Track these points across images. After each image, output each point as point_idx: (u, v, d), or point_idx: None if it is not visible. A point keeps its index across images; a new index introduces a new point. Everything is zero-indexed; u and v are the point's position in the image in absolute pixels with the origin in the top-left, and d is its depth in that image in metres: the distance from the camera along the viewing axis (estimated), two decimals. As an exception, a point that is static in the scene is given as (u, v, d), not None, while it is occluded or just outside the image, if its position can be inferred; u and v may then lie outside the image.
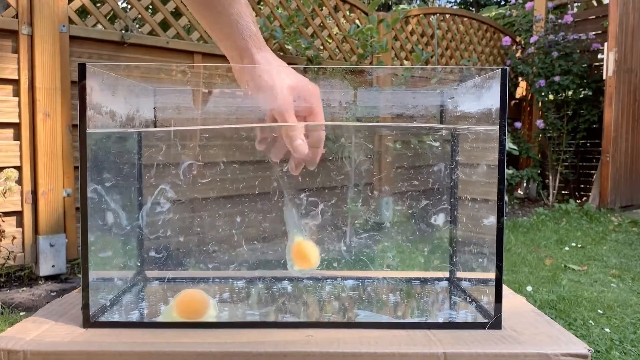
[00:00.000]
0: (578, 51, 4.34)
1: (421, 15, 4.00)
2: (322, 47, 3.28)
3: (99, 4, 2.49)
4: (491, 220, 0.57)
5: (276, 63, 0.61)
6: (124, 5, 2.88)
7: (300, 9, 3.09)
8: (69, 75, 2.18)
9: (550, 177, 4.51)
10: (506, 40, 4.57)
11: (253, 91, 0.60)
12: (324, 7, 3.27)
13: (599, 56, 4.46)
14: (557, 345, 0.52)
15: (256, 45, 0.61)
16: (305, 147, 0.59)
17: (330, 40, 3.34)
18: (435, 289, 0.74)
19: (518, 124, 4.61)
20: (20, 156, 2.09)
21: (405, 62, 3.84)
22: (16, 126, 2.09)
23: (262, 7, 3.01)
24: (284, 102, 0.58)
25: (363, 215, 0.74)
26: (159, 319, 0.61)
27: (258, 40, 0.61)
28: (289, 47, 3.08)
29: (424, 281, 0.75)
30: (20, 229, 2.11)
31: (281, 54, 3.04)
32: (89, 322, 0.56)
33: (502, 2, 10.51)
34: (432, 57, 4.00)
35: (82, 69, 0.55)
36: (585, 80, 4.36)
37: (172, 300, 0.60)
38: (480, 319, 0.59)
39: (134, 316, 0.63)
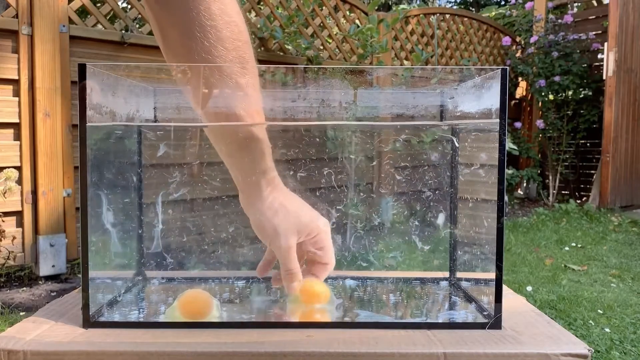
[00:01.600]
0: (578, 51, 4.34)
1: (421, 15, 4.00)
2: (322, 47, 3.28)
3: (99, 4, 2.49)
4: (491, 220, 0.57)
5: (285, 201, 0.60)
6: (124, 5, 2.88)
7: (300, 9, 3.09)
8: (69, 75, 2.18)
9: (550, 177, 4.51)
10: (506, 40, 4.57)
11: (255, 225, 0.60)
12: (324, 7, 3.27)
13: (599, 56, 4.46)
14: (557, 345, 0.52)
15: (267, 181, 0.59)
16: (298, 289, 0.60)
17: (330, 40, 3.34)
18: (435, 289, 0.74)
19: (518, 124, 4.61)
20: (20, 156, 2.09)
21: (405, 62, 3.84)
22: (16, 126, 2.09)
23: (262, 7, 3.01)
24: (285, 241, 0.58)
25: (363, 215, 0.74)
26: (162, 318, 0.61)
27: (271, 177, 0.60)
28: (289, 47, 3.08)
29: (424, 281, 0.75)
30: (20, 229, 2.11)
31: (281, 54, 3.04)
32: (89, 322, 0.56)
33: (502, 2, 10.51)
34: (432, 57, 4.00)
35: (82, 69, 0.55)
36: (585, 80, 4.36)
37: (175, 300, 0.60)
38: (480, 319, 0.59)
39: (134, 316, 0.63)
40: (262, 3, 3.05)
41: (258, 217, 0.59)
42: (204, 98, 0.56)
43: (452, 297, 0.71)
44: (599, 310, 1.81)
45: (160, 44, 0.58)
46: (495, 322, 0.56)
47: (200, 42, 0.53)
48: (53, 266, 2.15)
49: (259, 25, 2.91)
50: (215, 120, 0.58)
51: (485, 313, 0.60)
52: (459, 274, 0.74)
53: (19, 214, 2.11)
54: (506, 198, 3.95)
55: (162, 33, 0.57)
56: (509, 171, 4.32)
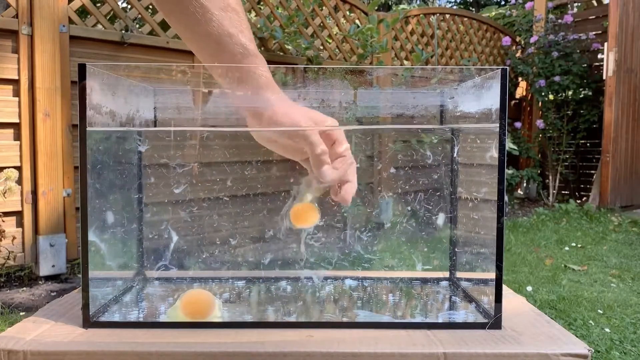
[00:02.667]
0: (578, 51, 4.34)
1: (421, 15, 4.00)
2: (322, 47, 3.28)
3: (99, 4, 2.49)
4: (491, 220, 0.57)
5: (293, 103, 0.60)
6: (124, 5, 2.88)
7: (300, 9, 3.09)
8: (69, 75, 2.18)
9: (550, 177, 4.51)
10: (506, 40, 4.57)
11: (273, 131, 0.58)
12: (324, 7, 3.27)
13: (599, 56, 4.46)
14: (557, 345, 0.52)
15: (271, 89, 0.59)
16: (333, 173, 0.57)
17: (330, 40, 3.34)
18: (435, 289, 0.74)
19: (518, 124, 4.61)
20: (20, 156, 2.09)
21: (405, 62, 3.84)
22: (16, 126, 2.09)
23: (262, 7, 3.01)
24: (306, 124, 0.57)
25: (363, 215, 0.74)
26: (164, 318, 0.61)
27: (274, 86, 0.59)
28: (289, 47, 3.07)
29: (424, 281, 0.76)
30: (20, 229, 2.11)
31: (281, 54, 3.04)
32: (89, 322, 0.56)
33: (502, 2, 10.51)
34: (432, 57, 4.00)
35: (82, 69, 0.55)
36: (585, 80, 4.36)
37: (177, 300, 0.60)
38: (480, 319, 0.59)
39: (134, 316, 0.63)
40: (262, 3, 3.05)
41: (271, 117, 0.57)
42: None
43: (452, 297, 0.71)
44: (599, 310, 1.81)
45: None
46: (495, 322, 0.56)
47: None
48: (53, 266, 2.15)
49: (259, 25, 2.91)
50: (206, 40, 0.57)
51: (484, 313, 0.60)
52: (459, 274, 0.74)
53: (19, 214, 2.11)
54: (506, 198, 3.95)
55: None
56: (509, 171, 4.32)
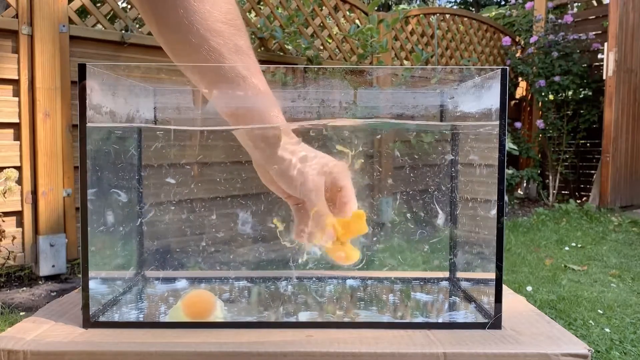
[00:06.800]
0: (578, 51, 4.34)
1: (421, 15, 4.00)
2: (322, 47, 3.28)
3: (99, 4, 2.49)
4: (491, 220, 0.57)
5: (304, 147, 0.60)
6: (124, 5, 2.88)
7: (300, 9, 3.09)
8: (69, 75, 2.18)
9: (550, 177, 4.51)
10: (506, 40, 4.57)
11: (278, 175, 0.59)
12: (324, 7, 3.27)
13: (599, 56, 4.46)
14: (557, 345, 0.52)
15: (285, 132, 0.59)
16: (333, 233, 0.60)
17: (330, 40, 3.34)
18: (435, 289, 0.74)
19: (518, 124, 4.61)
20: (20, 156, 2.09)
21: (405, 62, 3.84)
22: (16, 126, 2.09)
23: (262, 7, 3.01)
24: (314, 187, 0.58)
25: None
26: (166, 318, 0.61)
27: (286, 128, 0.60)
28: (289, 47, 3.07)
29: (424, 281, 0.76)
30: (20, 229, 2.11)
31: (281, 54, 3.04)
32: (89, 322, 0.56)
33: (502, 2, 10.50)
34: (432, 57, 4.00)
35: (82, 69, 0.55)
36: (585, 80, 4.35)
37: (179, 301, 0.60)
38: (480, 319, 0.59)
39: (134, 316, 0.63)
40: (262, 3, 3.05)
41: (280, 166, 0.58)
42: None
43: (452, 297, 0.71)
44: (599, 310, 1.81)
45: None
46: (495, 322, 0.56)
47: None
48: (53, 266, 2.15)
49: (259, 25, 2.91)
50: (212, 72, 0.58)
51: (484, 313, 0.60)
52: (459, 274, 0.74)
53: (19, 214, 2.11)
54: (506, 198, 3.95)
55: None
56: (509, 171, 4.32)
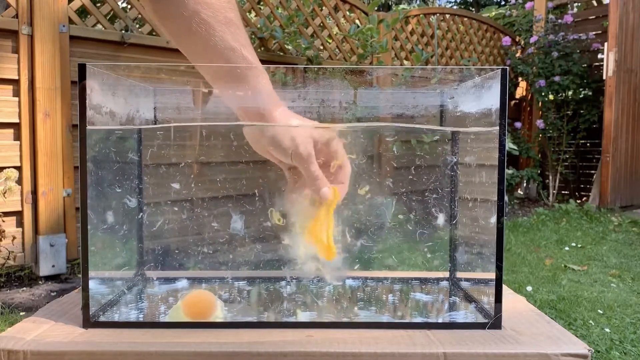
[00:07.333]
0: (578, 51, 4.34)
1: (421, 15, 4.00)
2: (322, 47, 3.28)
3: (99, 4, 2.49)
4: (491, 220, 0.57)
5: (293, 114, 0.60)
6: (124, 5, 2.88)
7: (300, 9, 3.09)
8: (69, 75, 2.18)
9: (550, 177, 4.51)
10: (506, 40, 4.57)
11: (269, 142, 0.59)
12: (324, 7, 3.27)
13: (599, 56, 4.46)
14: (557, 345, 0.52)
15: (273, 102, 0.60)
16: (331, 192, 0.60)
17: (330, 40, 3.34)
18: (435, 289, 0.74)
19: (518, 124, 4.60)
20: (20, 156, 2.09)
21: (405, 62, 3.84)
22: (16, 126, 2.09)
23: (262, 7, 3.01)
24: (304, 149, 0.58)
25: (364, 215, 0.74)
26: (166, 319, 0.61)
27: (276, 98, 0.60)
28: (289, 47, 3.07)
29: (424, 281, 0.76)
30: (20, 229, 2.11)
31: (281, 54, 3.04)
32: (89, 322, 0.56)
33: (502, 2, 10.50)
34: (432, 57, 4.00)
35: (82, 69, 0.55)
36: (585, 80, 4.35)
37: (179, 301, 0.60)
38: (480, 319, 0.59)
39: (134, 316, 0.63)
40: (262, 3, 3.05)
41: (271, 132, 0.59)
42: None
43: (452, 297, 0.71)
44: (599, 310, 1.81)
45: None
46: (495, 322, 0.56)
47: None
48: (53, 266, 2.15)
49: (259, 25, 2.91)
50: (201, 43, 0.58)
51: (484, 313, 0.60)
52: (459, 274, 0.74)
53: (19, 214, 2.11)
54: (506, 198, 3.95)
55: None
56: (509, 171, 4.32)
